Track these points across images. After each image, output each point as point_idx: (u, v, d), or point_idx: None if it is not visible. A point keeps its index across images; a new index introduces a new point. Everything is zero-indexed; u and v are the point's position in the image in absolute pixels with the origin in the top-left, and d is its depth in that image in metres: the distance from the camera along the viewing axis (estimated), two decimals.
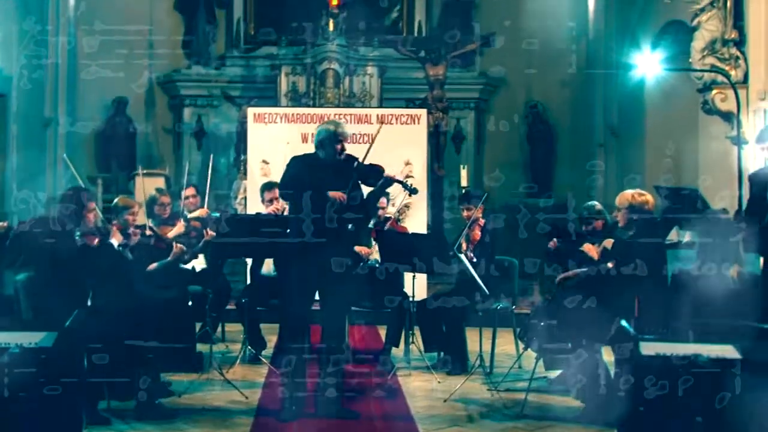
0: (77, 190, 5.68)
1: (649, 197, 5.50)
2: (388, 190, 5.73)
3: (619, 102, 11.71)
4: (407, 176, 8.98)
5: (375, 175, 5.17)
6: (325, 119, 9.00)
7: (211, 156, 8.34)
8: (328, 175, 5.11)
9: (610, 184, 11.32)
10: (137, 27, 12.08)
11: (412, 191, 5.24)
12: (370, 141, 5.38)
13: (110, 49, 11.73)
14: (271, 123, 9.12)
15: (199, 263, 7.48)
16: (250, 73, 12.60)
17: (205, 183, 7.71)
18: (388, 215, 7.27)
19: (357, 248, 6.87)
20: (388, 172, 5.23)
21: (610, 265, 5.37)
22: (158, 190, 7.44)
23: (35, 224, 5.36)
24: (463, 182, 10.56)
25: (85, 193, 5.63)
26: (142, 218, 6.65)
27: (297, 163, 5.25)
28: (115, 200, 6.26)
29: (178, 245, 6.23)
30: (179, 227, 6.62)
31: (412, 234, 6.98)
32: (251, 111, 9.55)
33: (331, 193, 4.98)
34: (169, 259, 6.20)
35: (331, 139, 5.14)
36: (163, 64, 12.82)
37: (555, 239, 6.17)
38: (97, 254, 5.32)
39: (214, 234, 6.46)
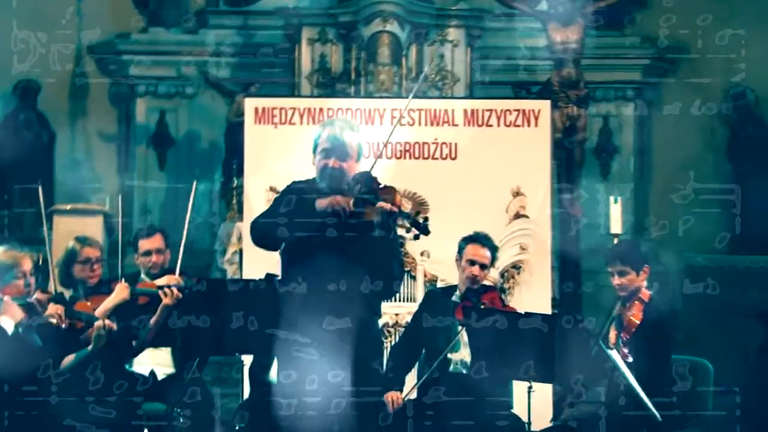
0: None
1: None
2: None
3: None
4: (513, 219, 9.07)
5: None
6: (379, 117, 9.18)
7: (195, 183, 8.54)
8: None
9: None
10: None
11: (422, 230, 5.26)
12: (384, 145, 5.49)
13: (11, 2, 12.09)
14: (285, 124, 9.31)
15: (161, 363, 7.62)
16: (249, 41, 12.87)
17: (180, 228, 7.87)
18: (488, 283, 7.33)
19: (388, 396, 6.91)
20: (402, 201, 5.35)
21: None
22: (80, 239, 7.62)
23: None
24: (615, 227, 10.56)
25: None
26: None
27: (285, 200, 5.59)
28: None
29: (103, 321, 6.37)
30: (120, 292, 6.81)
31: (525, 314, 7.04)
32: (251, 104, 9.75)
33: None
34: (90, 348, 6.35)
35: (315, 153, 5.49)
36: (100, 24, 13.15)
37: None
38: None
39: (180, 296, 6.61)
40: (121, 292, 6.79)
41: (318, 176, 5.49)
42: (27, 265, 6.29)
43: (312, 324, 5.21)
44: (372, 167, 5.52)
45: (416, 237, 5.24)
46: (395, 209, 5.05)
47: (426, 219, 5.17)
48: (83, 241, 7.53)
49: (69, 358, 6.35)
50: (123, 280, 7.01)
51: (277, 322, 5.48)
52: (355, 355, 5.29)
